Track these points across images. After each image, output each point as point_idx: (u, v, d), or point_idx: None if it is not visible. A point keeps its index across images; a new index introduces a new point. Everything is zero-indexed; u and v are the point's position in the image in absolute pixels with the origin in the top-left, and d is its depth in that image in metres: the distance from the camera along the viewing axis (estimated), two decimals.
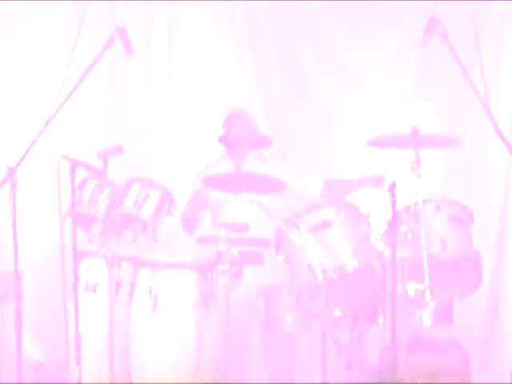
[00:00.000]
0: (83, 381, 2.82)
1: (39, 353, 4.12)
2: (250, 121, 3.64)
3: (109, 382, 2.97)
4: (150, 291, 2.89)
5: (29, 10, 4.22)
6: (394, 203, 2.68)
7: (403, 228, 2.87)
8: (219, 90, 4.33)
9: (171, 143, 4.33)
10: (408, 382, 2.87)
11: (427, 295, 2.77)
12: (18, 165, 2.80)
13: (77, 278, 2.86)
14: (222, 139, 3.50)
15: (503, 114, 3.81)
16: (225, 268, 2.94)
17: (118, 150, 2.98)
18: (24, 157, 2.85)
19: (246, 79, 4.28)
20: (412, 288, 2.82)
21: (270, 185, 3.05)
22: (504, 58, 4.02)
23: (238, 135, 3.50)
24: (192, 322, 2.91)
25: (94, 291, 3.03)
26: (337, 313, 2.96)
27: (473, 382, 3.10)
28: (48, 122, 2.85)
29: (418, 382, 2.98)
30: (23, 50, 4.27)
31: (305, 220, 2.87)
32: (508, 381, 3.54)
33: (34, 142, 2.85)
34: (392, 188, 2.65)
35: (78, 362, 2.75)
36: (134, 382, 2.98)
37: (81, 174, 2.87)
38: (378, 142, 2.98)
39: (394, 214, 2.70)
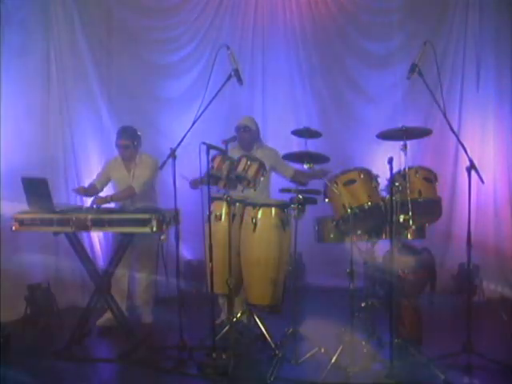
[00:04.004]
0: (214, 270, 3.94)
1: (189, 254, 5.76)
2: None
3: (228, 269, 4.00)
4: (252, 219, 4.14)
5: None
6: (391, 169, 3.64)
7: (397, 183, 3.78)
8: (291, 107, 5.94)
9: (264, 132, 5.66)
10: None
11: (410, 221, 3.80)
12: (176, 147, 4.10)
13: (210, 212, 4.18)
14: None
15: (453, 117, 5.48)
16: (295, 206, 3.96)
17: (234, 139, 4.34)
18: (180, 142, 4.12)
19: (306, 101, 5.90)
20: (401, 217, 3.79)
21: (319, 159, 4.13)
22: (454, 85, 5.67)
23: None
24: (276, 237, 4.15)
25: (220, 220, 4.26)
26: (358, 232, 4.05)
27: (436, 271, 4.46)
28: (194, 123, 4.06)
29: (406, 272, 4.19)
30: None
31: (340, 178, 3.95)
32: (456, 271, 5.17)
33: (185, 133, 4.11)
34: (390, 161, 3.62)
35: (211, 259, 3.96)
36: (243, 266, 4.17)
37: (212, 152, 4.02)
38: (382, 135, 4.00)
39: (391, 175, 3.67)
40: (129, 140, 4.88)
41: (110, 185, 5.17)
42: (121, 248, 4.48)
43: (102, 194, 4.92)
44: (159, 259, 4.26)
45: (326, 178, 4.03)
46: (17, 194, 4.53)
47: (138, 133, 4.97)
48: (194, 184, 4.50)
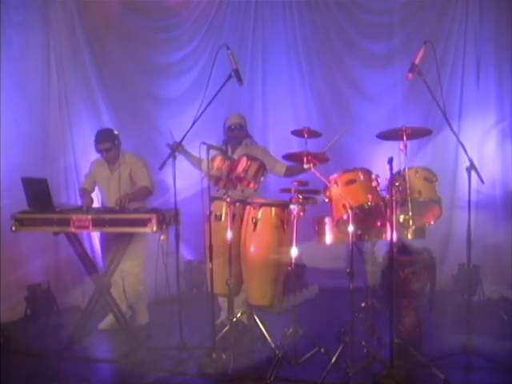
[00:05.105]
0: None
1: (189, 254, 5.77)
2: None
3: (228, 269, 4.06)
4: (252, 219, 4.13)
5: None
6: (391, 169, 3.61)
7: (396, 183, 3.80)
8: (291, 107, 5.95)
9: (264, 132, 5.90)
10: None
11: (410, 222, 3.80)
12: (176, 147, 4.24)
13: (210, 212, 4.21)
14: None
15: (453, 117, 5.47)
16: (294, 206, 4.00)
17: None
18: (180, 142, 4.25)
19: (306, 100, 5.90)
20: (401, 217, 3.80)
21: (319, 159, 4.08)
22: (454, 85, 5.67)
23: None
24: (276, 237, 4.14)
25: (220, 220, 4.27)
26: (359, 232, 4.05)
27: (436, 271, 4.52)
28: (194, 123, 4.09)
29: (406, 272, 4.28)
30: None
31: (340, 178, 3.91)
32: (456, 271, 5.19)
33: (185, 133, 4.16)
34: (390, 161, 3.59)
35: (211, 259, 4.04)
36: (243, 266, 4.19)
37: (212, 152, 4.11)
38: (382, 135, 3.98)
39: (391, 175, 3.65)
40: (109, 142, 4.86)
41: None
42: (121, 248, 4.48)
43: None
44: (159, 259, 4.24)
45: (324, 178, 3.97)
46: (17, 194, 4.53)
47: (116, 132, 4.95)
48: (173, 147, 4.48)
